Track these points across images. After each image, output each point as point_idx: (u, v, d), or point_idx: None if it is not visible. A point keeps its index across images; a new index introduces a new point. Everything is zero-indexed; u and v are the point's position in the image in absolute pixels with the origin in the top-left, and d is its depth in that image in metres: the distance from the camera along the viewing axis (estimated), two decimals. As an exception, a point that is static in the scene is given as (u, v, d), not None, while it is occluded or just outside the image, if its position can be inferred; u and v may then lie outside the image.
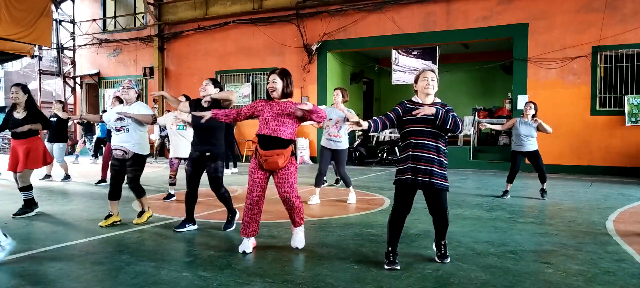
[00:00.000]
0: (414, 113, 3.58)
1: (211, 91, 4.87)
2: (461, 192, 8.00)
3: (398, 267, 3.67)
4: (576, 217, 5.81)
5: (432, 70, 3.88)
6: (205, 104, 4.87)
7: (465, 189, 8.34)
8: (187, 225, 5.01)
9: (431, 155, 3.63)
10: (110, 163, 5.32)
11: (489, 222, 5.50)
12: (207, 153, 4.82)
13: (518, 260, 3.95)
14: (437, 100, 3.83)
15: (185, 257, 4.06)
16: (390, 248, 3.75)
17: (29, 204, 5.86)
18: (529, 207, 6.64)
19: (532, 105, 7.26)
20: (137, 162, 5.18)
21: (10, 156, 5.88)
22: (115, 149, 5.17)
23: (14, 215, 5.75)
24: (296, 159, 4.20)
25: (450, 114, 3.59)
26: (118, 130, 5.16)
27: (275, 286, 3.27)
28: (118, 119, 5.14)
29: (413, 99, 3.84)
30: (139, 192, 5.28)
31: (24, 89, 5.85)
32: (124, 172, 5.27)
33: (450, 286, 3.30)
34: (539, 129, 7.13)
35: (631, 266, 3.77)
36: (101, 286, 3.29)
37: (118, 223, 5.30)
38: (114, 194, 5.26)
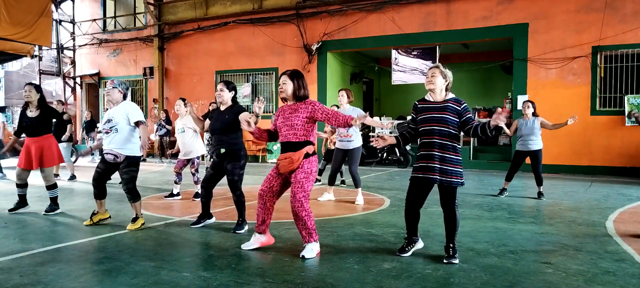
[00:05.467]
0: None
1: (227, 97, 4.95)
2: (461, 191, 7.99)
3: (404, 255, 3.97)
4: (576, 217, 5.81)
5: (437, 66, 3.90)
6: (222, 108, 4.99)
7: (465, 189, 8.33)
8: (202, 221, 5.16)
9: (440, 153, 3.74)
10: (97, 164, 5.17)
11: (489, 222, 5.50)
12: (222, 150, 4.86)
13: (518, 260, 3.95)
14: (450, 96, 3.86)
15: (185, 257, 4.06)
16: (405, 237, 4.11)
17: (56, 201, 5.99)
18: (529, 207, 6.64)
19: (530, 104, 7.35)
20: (131, 163, 5.01)
21: (24, 153, 5.88)
22: (107, 154, 4.99)
23: (45, 212, 5.89)
24: (316, 161, 4.05)
25: (478, 128, 3.73)
26: (107, 133, 4.98)
27: (275, 286, 3.27)
28: (106, 121, 5.00)
29: (426, 97, 3.93)
30: (135, 195, 5.03)
31: (37, 88, 5.93)
32: (108, 173, 5.14)
33: (450, 286, 3.30)
34: (543, 125, 7.25)
35: (631, 266, 3.77)
36: (101, 286, 3.29)
37: (107, 220, 5.31)
38: (100, 194, 5.17)
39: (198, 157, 7.29)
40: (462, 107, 3.77)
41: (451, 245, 3.85)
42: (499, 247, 4.35)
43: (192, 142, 7.12)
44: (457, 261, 3.78)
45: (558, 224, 5.40)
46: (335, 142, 7.17)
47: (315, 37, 13.97)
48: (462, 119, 3.76)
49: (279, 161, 3.99)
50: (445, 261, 3.79)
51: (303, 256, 3.91)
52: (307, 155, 3.94)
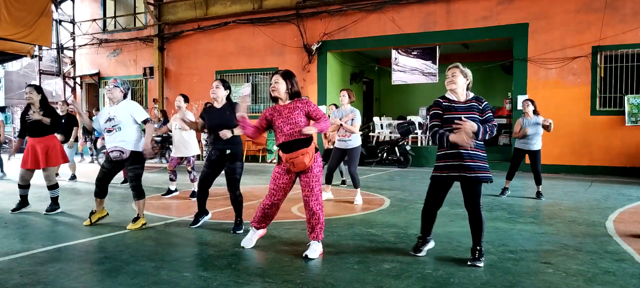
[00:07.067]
0: (454, 129, 3.71)
1: (221, 94, 4.98)
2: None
3: (420, 254, 3.98)
4: (576, 217, 5.81)
5: (456, 66, 3.90)
6: (218, 105, 5.00)
7: (465, 189, 8.32)
8: (200, 219, 5.18)
9: (466, 150, 3.74)
10: (102, 163, 5.19)
11: (489, 222, 5.50)
12: (228, 151, 4.85)
13: (518, 260, 3.95)
14: (471, 94, 3.89)
15: (185, 257, 4.06)
16: (420, 236, 4.10)
17: (56, 201, 6.00)
18: (529, 207, 6.63)
19: (530, 103, 7.32)
20: (137, 159, 5.02)
21: (28, 153, 5.86)
22: (112, 151, 4.97)
23: (46, 211, 5.90)
24: (321, 156, 4.15)
25: (486, 126, 3.76)
26: (109, 131, 4.98)
27: (275, 286, 3.27)
28: (107, 119, 4.98)
29: (446, 94, 3.92)
30: (140, 193, 5.09)
31: (38, 89, 5.94)
32: (113, 173, 5.15)
33: (450, 286, 3.30)
34: (544, 125, 7.15)
35: (631, 266, 3.77)
36: (101, 286, 3.29)
37: (105, 217, 5.31)
38: (101, 193, 5.17)
39: (193, 156, 7.28)
40: (482, 105, 3.86)
41: (478, 247, 3.78)
42: (499, 247, 4.35)
43: (188, 140, 7.10)
44: (481, 265, 3.70)
45: (558, 224, 5.40)
46: (334, 142, 7.17)
47: (315, 37, 13.97)
48: (483, 117, 3.82)
49: (291, 160, 3.93)
50: (469, 263, 3.74)
51: (306, 256, 3.91)
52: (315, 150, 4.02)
